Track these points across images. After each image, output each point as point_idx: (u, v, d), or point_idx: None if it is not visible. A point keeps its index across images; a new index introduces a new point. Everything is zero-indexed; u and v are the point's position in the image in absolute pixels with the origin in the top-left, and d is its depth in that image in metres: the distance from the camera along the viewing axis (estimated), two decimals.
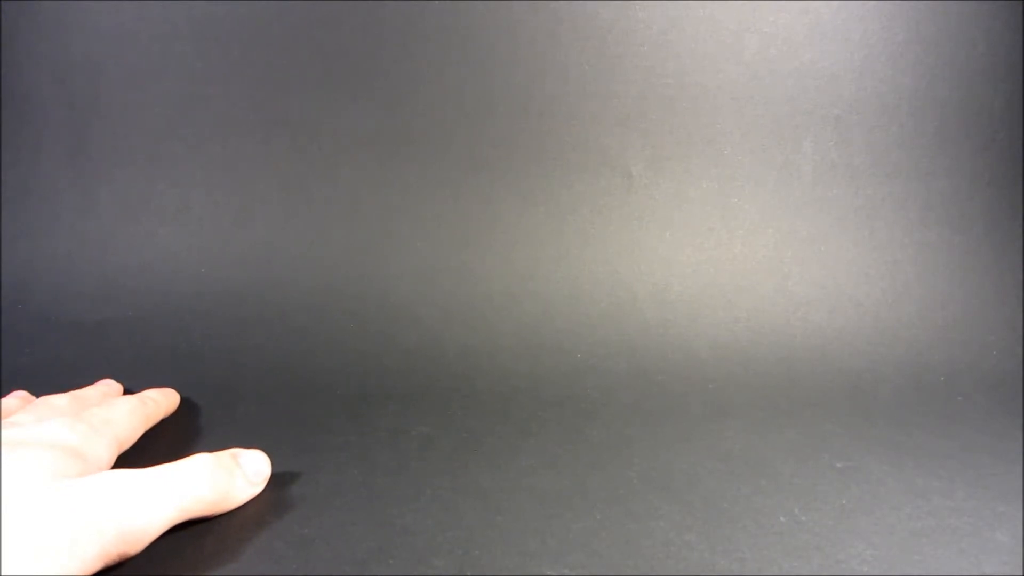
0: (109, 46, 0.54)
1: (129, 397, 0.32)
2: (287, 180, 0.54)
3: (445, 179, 0.53)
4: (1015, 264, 0.49)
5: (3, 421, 0.27)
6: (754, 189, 0.51)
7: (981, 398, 0.41)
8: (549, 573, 0.24)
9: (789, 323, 0.48)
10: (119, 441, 0.28)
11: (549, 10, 0.51)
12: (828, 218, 0.50)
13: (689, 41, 0.50)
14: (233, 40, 0.53)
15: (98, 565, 0.21)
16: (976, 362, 0.45)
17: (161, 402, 0.34)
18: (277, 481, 0.28)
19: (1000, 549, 0.26)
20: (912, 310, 0.48)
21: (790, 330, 0.47)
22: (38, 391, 0.33)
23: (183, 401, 0.36)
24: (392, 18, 0.52)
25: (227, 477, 0.26)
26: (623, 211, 0.52)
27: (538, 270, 0.51)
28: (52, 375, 0.39)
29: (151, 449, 0.31)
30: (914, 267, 0.50)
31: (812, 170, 0.50)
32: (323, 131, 0.54)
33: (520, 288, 0.50)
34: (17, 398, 0.32)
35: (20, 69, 0.55)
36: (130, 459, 0.27)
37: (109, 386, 0.34)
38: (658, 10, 0.50)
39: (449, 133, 0.52)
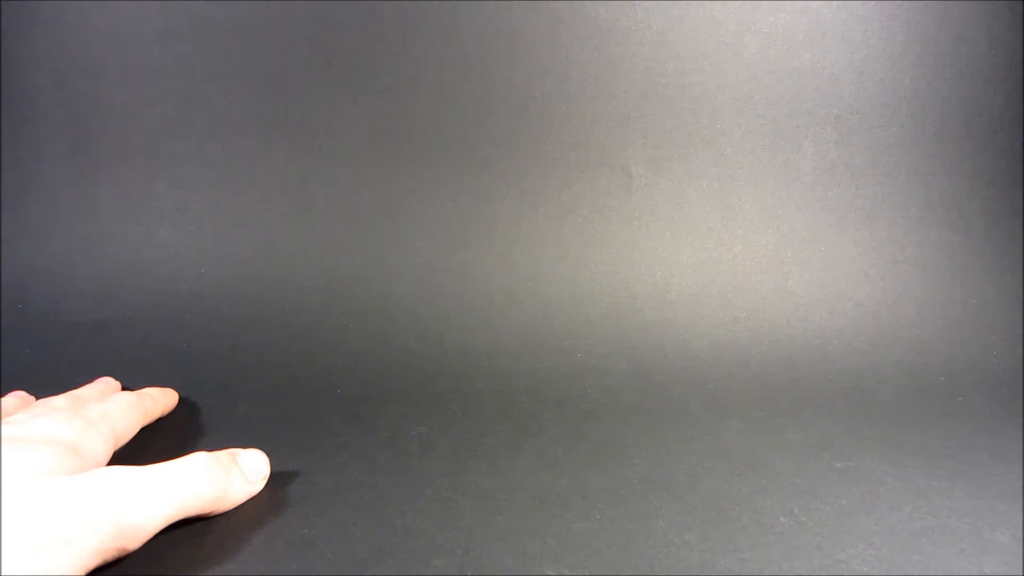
0: (109, 46, 0.54)
1: (127, 393, 0.32)
2: (287, 180, 0.54)
3: (445, 179, 0.53)
4: (1015, 264, 0.49)
5: (1, 419, 0.27)
6: (754, 189, 0.51)
7: (981, 398, 0.41)
8: (549, 573, 0.24)
9: (789, 323, 0.48)
10: (116, 436, 0.28)
11: (549, 10, 0.51)
12: (828, 218, 0.50)
13: (689, 41, 0.50)
14: (233, 40, 0.53)
15: (96, 561, 0.21)
16: (976, 362, 0.45)
17: (159, 399, 0.34)
18: (277, 481, 0.28)
19: (1000, 549, 0.26)
20: (912, 310, 0.48)
21: (790, 330, 0.47)
22: (38, 391, 0.33)
23: (183, 401, 0.36)
24: (392, 18, 0.52)
25: (225, 476, 0.26)
26: (623, 211, 0.52)
27: (538, 270, 0.51)
28: (52, 375, 0.39)
29: (150, 448, 0.31)
30: (914, 267, 0.50)
31: (812, 170, 0.50)
32: (323, 131, 0.54)
33: (520, 288, 0.50)
34: (16, 398, 0.32)
35: (20, 69, 0.55)
36: (129, 457, 0.27)
37: (107, 384, 0.34)
38: (658, 10, 0.50)
39: (449, 133, 0.52)
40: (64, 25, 0.54)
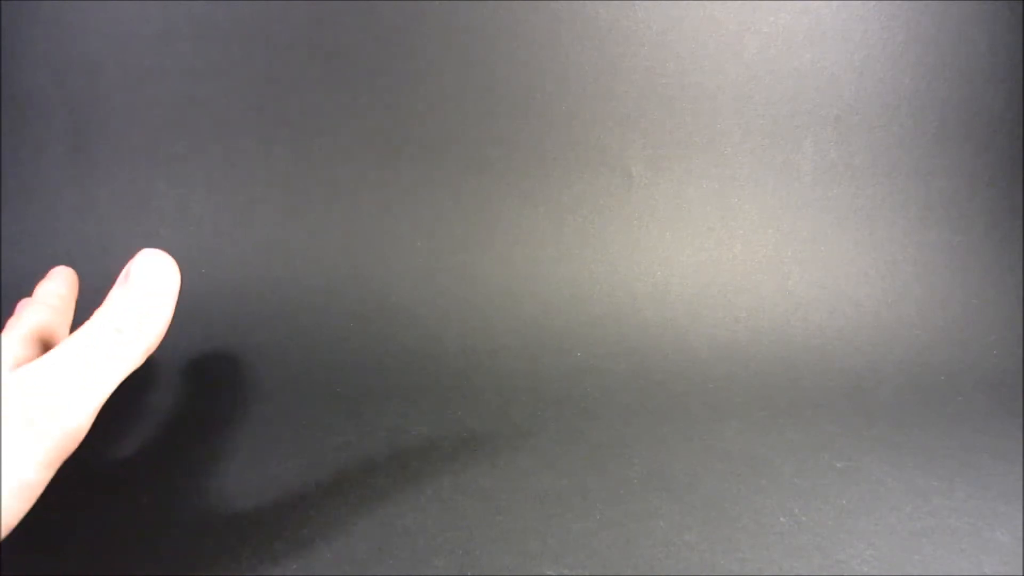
0: (109, 46, 0.54)
1: (36, 307, 0.28)
2: (287, 180, 0.54)
3: (445, 179, 0.53)
4: (1015, 264, 0.49)
5: None
6: (754, 189, 0.51)
7: (981, 398, 0.41)
8: (549, 573, 0.24)
9: (789, 323, 0.48)
10: (34, 338, 0.26)
11: (549, 10, 0.51)
12: (828, 218, 0.50)
13: (689, 41, 0.50)
14: (233, 40, 0.53)
15: (61, 456, 0.20)
16: (976, 362, 0.45)
17: (65, 294, 0.31)
18: (277, 481, 0.28)
19: (1000, 549, 0.26)
20: (912, 310, 0.48)
21: (790, 330, 0.47)
22: None
23: (183, 400, 0.36)
24: (392, 18, 0.52)
25: (130, 315, 0.23)
26: (623, 211, 0.52)
27: (538, 270, 0.51)
28: None
29: (152, 447, 0.31)
30: (914, 267, 0.50)
31: (812, 170, 0.50)
32: (323, 131, 0.54)
33: (520, 288, 0.50)
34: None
35: (20, 69, 0.55)
36: (130, 450, 0.27)
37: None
38: (658, 10, 0.50)
39: (449, 133, 0.52)
40: (64, 25, 0.54)
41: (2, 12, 0.54)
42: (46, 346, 0.26)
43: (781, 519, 0.27)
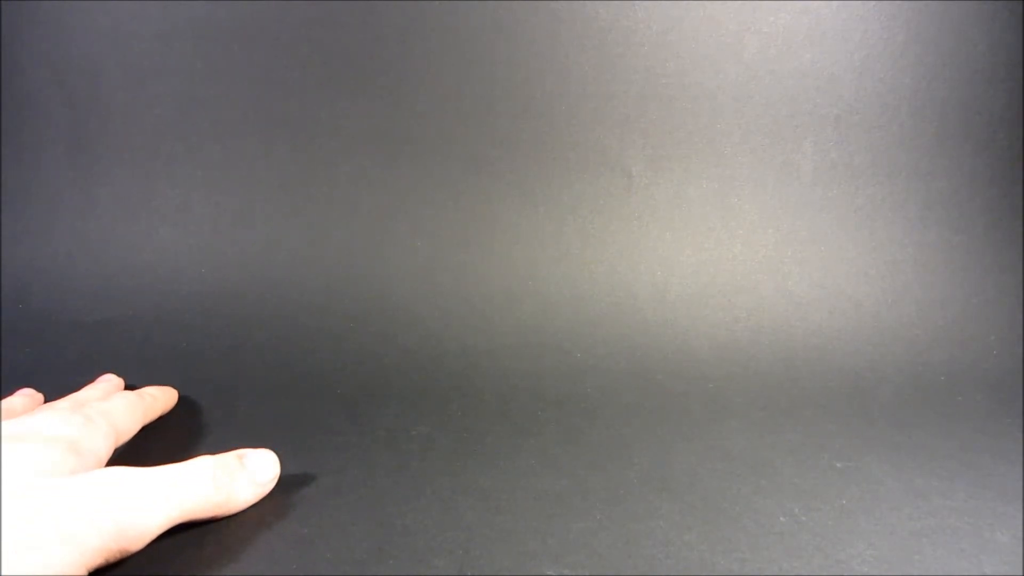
0: (109, 46, 0.54)
1: (127, 392, 0.32)
2: (287, 180, 0.54)
3: (445, 179, 0.53)
4: (1015, 264, 0.49)
5: (3, 417, 0.27)
6: (754, 189, 0.51)
7: (981, 398, 0.41)
8: (549, 573, 0.24)
9: (789, 323, 0.48)
10: (116, 433, 0.28)
11: (549, 10, 0.51)
12: (828, 218, 0.50)
13: (689, 41, 0.50)
14: (233, 40, 0.53)
15: (97, 561, 0.21)
16: (976, 362, 0.45)
17: (159, 397, 0.34)
18: (277, 481, 0.28)
19: (1000, 549, 0.26)
20: (912, 310, 0.48)
21: (790, 330, 0.47)
22: (39, 391, 0.33)
23: (183, 400, 0.36)
24: (392, 18, 0.52)
25: (229, 480, 0.26)
26: (623, 211, 0.52)
27: (538, 270, 0.51)
28: (52, 374, 0.39)
29: (151, 448, 0.31)
30: (914, 267, 0.50)
31: (812, 170, 0.50)
32: (323, 131, 0.54)
33: (520, 288, 0.50)
34: (24, 396, 0.32)
35: (20, 69, 0.55)
36: (131, 458, 0.27)
37: (109, 382, 0.34)
38: (658, 10, 0.50)
39: (449, 133, 0.52)
40: (64, 25, 0.54)
41: (2, 12, 0.54)
42: (116, 436, 0.28)
43: (781, 519, 0.27)
